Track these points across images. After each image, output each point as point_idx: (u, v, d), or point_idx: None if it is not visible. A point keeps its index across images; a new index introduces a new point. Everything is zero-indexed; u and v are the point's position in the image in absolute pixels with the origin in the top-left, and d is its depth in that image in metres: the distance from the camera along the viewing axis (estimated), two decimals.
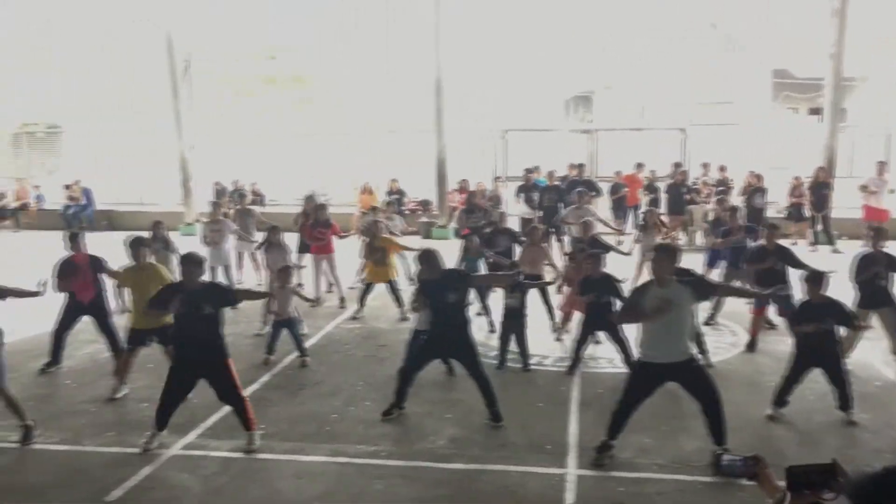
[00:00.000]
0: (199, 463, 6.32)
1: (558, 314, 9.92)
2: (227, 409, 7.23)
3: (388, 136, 23.18)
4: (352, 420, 7.16)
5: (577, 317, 9.52)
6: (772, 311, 9.63)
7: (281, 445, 6.57)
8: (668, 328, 5.93)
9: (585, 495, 5.70)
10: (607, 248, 9.85)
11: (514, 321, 8.63)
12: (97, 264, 8.50)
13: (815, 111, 23.17)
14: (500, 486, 5.82)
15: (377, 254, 10.80)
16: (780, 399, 7.09)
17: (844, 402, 6.96)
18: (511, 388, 7.88)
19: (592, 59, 31.08)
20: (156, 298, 6.67)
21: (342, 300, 11.52)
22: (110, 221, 20.60)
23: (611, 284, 8.26)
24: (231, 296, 6.82)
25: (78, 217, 20.68)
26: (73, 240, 8.57)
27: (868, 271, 8.05)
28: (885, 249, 8.20)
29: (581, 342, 8.41)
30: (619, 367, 8.52)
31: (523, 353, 8.58)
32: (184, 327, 6.47)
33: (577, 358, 8.43)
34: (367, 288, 11.00)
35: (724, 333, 9.84)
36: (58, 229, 19.98)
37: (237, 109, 29.61)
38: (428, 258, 7.04)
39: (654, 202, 16.89)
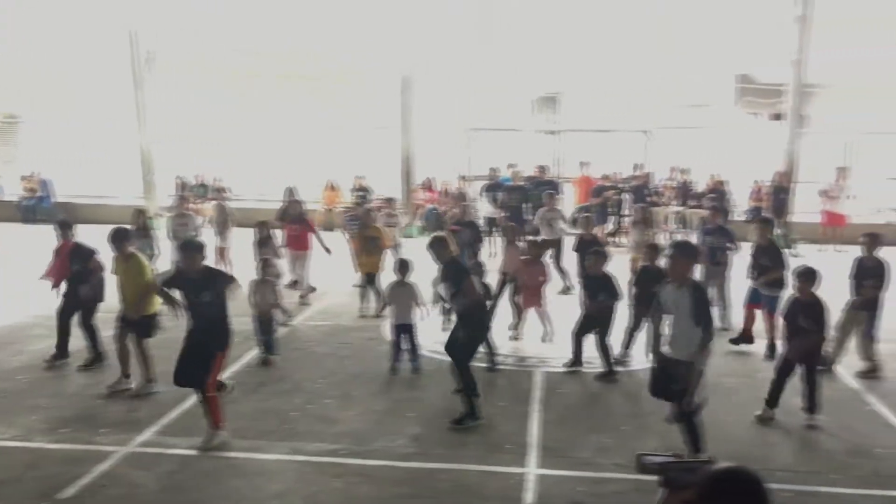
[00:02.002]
0: (155, 460, 6.23)
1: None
2: (186, 406, 7.17)
3: (354, 133, 23.04)
4: (312, 418, 7.10)
5: (531, 314, 9.63)
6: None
7: (239, 443, 6.49)
8: (676, 324, 6.06)
9: (545, 494, 5.71)
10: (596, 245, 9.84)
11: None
12: (79, 253, 8.43)
13: (777, 116, 23.46)
14: (460, 485, 5.81)
15: (369, 243, 10.80)
16: (773, 400, 7.14)
17: (811, 406, 7.03)
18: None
19: (559, 60, 31.19)
20: (162, 286, 6.93)
21: (302, 297, 11.45)
22: (69, 214, 20.19)
23: (610, 284, 8.28)
24: (228, 282, 6.75)
25: (33, 209, 20.26)
26: (60, 228, 8.64)
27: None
28: (877, 255, 8.41)
29: (579, 339, 8.45)
30: (581, 368, 8.59)
31: (491, 351, 8.60)
32: (189, 313, 6.54)
33: (578, 355, 8.45)
34: (369, 279, 10.86)
35: None
36: (13, 221, 19.70)
37: (202, 102, 29.23)
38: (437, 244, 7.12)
39: (619, 203, 17.03)
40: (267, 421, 6.99)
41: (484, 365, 8.46)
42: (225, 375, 8.10)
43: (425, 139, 19.71)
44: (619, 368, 8.38)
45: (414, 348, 8.46)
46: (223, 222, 12.78)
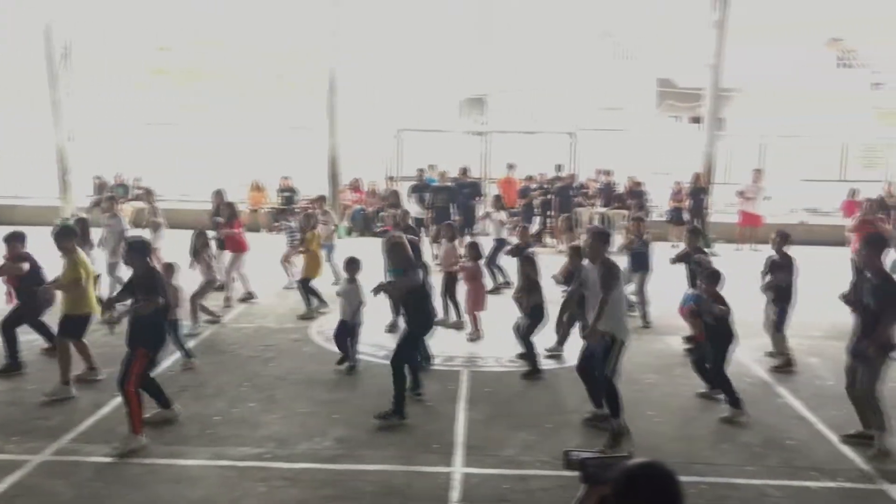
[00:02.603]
0: (71, 469, 6.02)
1: (466, 316, 10.02)
2: (102, 412, 6.99)
3: (280, 134, 22.77)
4: (235, 422, 6.99)
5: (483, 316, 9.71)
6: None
7: (160, 449, 6.34)
8: (592, 299, 6.66)
9: (471, 493, 5.75)
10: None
11: None
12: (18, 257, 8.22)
13: (696, 120, 24.15)
14: (386, 486, 5.80)
15: (302, 247, 10.97)
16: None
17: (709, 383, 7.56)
18: None
19: (486, 62, 31.44)
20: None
21: (227, 300, 11.28)
22: None
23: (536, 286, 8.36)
24: (155, 285, 6.62)
25: None
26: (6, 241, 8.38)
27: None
28: (786, 252, 8.80)
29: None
30: (506, 366, 8.67)
31: (424, 352, 8.60)
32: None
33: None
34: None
35: None
36: None
37: (122, 100, 28.44)
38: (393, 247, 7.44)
39: (546, 204, 17.26)
40: (189, 426, 6.84)
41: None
42: None
43: (352, 140, 19.61)
44: (547, 366, 8.54)
45: (353, 347, 8.45)
46: (155, 223, 12.51)
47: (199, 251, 10.19)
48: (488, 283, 11.32)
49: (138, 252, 6.72)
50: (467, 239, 12.17)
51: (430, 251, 13.05)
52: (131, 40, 28.89)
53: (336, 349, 8.58)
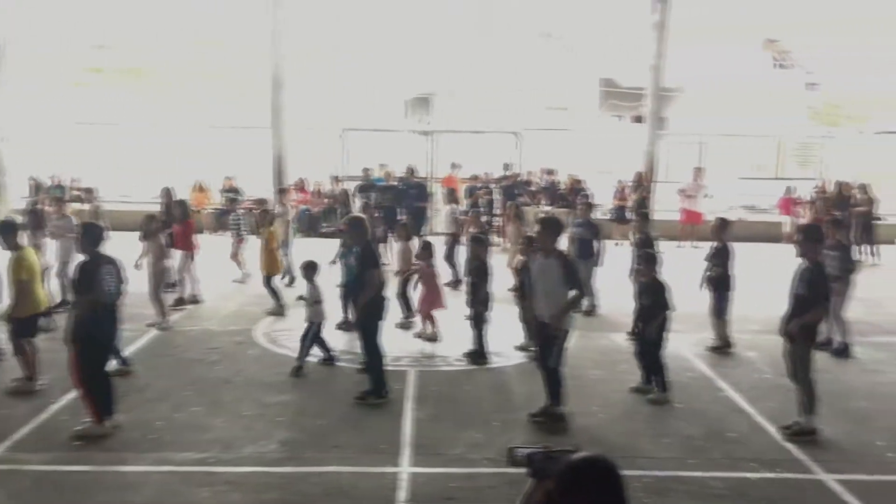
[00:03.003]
0: (8, 478, 5.85)
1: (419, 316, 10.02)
2: (39, 419, 6.80)
3: (224, 133, 22.46)
4: (179, 427, 6.87)
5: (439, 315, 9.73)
6: None
7: (101, 456, 6.19)
8: (542, 290, 6.84)
9: (418, 492, 5.75)
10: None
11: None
12: None
13: (638, 119, 24.55)
14: (333, 488, 5.76)
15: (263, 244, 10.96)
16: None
17: (648, 379, 7.73)
18: (346, 387, 7.83)
19: (432, 62, 31.49)
20: None
21: (181, 301, 11.14)
22: None
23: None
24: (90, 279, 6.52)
25: None
26: None
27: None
28: (724, 239, 9.19)
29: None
30: (453, 365, 8.70)
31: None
32: None
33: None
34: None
35: None
36: None
37: (58, 99, 27.73)
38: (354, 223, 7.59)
39: (490, 203, 17.33)
40: (131, 432, 6.69)
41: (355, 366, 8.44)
42: None
43: (298, 139, 19.42)
44: (495, 364, 8.64)
45: (307, 349, 8.40)
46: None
47: (150, 235, 10.04)
48: (446, 278, 11.40)
49: (90, 239, 6.62)
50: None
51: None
52: (67, 38, 28.20)
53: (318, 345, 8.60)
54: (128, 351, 8.84)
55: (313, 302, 8.43)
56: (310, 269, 8.72)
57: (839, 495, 5.79)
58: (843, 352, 9.15)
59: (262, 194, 18.16)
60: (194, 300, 11.30)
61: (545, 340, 6.89)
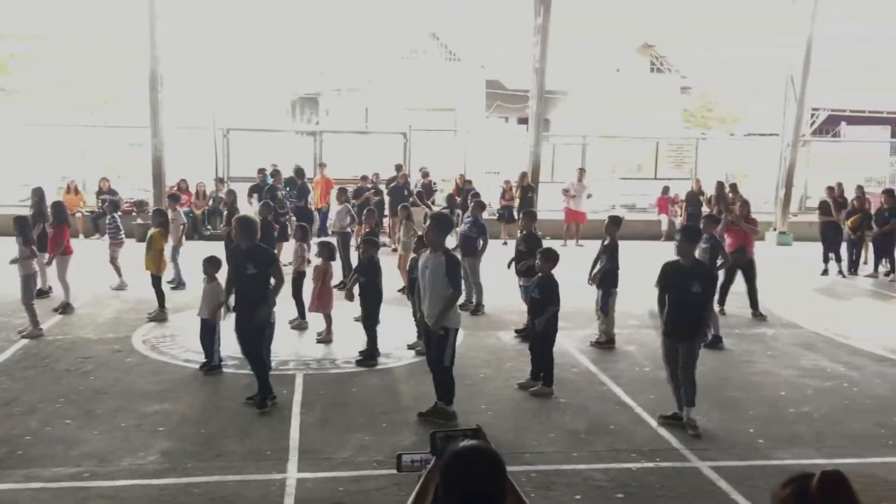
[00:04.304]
0: None
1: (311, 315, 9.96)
2: None
3: (99, 132, 21.49)
4: (49, 441, 6.50)
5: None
6: None
7: None
8: (430, 287, 6.88)
9: (305, 498, 5.65)
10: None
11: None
12: None
13: (524, 121, 25.03)
14: (216, 498, 5.59)
15: (148, 243, 10.70)
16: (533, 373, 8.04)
17: (536, 374, 7.94)
18: (230, 393, 7.63)
19: (319, 62, 31.17)
20: None
21: (67, 307, 10.67)
22: None
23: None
24: None
25: None
26: None
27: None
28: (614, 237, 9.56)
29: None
30: (341, 367, 8.62)
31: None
32: None
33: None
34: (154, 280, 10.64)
35: None
36: None
37: None
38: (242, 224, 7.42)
39: (380, 204, 17.27)
40: None
41: (239, 371, 8.24)
42: None
43: (177, 140, 18.79)
44: (382, 365, 8.60)
45: (216, 347, 8.22)
46: None
47: (23, 237, 9.52)
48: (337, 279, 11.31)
49: None
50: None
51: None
52: None
53: (201, 351, 8.37)
54: None
55: (215, 302, 8.16)
56: (212, 264, 8.46)
57: (714, 482, 6.05)
58: (715, 344, 9.59)
59: (141, 196, 17.61)
60: (66, 308, 10.73)
61: (434, 339, 6.92)
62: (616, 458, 6.43)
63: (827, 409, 7.72)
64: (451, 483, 2.39)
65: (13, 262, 9.62)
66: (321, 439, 6.65)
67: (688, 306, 6.88)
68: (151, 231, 10.85)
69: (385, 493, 5.72)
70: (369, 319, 8.81)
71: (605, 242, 9.58)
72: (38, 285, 10.65)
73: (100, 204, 17.25)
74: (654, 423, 7.15)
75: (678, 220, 18.62)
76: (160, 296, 10.51)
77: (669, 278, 7.06)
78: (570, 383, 8.19)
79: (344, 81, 32.04)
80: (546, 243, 9.58)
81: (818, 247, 15.53)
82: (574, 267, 10.20)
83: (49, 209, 11.18)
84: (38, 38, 27.61)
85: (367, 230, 11.24)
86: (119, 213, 13.48)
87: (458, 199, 16.12)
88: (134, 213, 17.45)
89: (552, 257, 8.05)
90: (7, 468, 5.97)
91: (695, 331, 6.92)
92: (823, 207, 15.56)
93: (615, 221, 9.74)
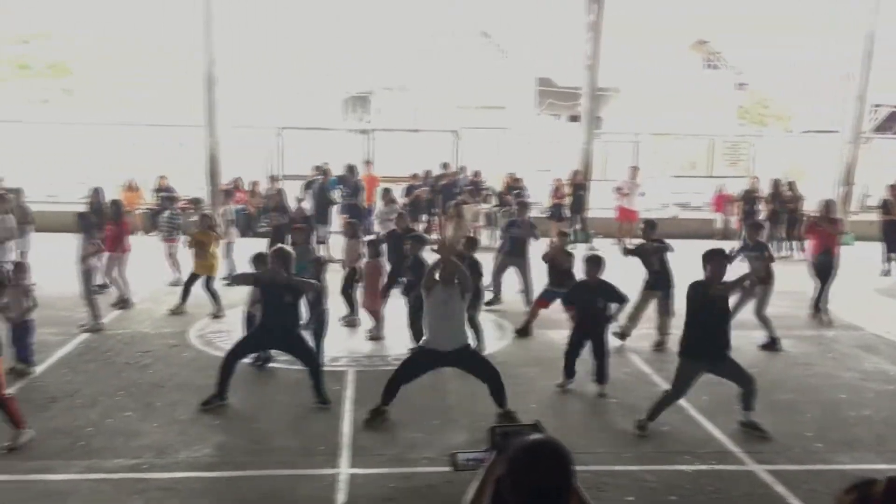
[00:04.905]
0: None
1: (363, 312, 10.00)
2: None
3: (157, 131, 21.96)
4: (110, 433, 6.68)
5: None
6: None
7: (25, 465, 5.99)
8: (447, 319, 6.77)
9: (356, 494, 5.71)
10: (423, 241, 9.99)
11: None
12: None
13: (575, 118, 24.83)
14: (268, 492, 5.68)
15: (198, 247, 10.73)
16: (568, 370, 7.90)
17: (600, 376, 7.81)
18: (282, 389, 7.74)
19: (370, 61, 31.36)
20: None
21: (125, 302, 10.96)
22: None
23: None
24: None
25: None
26: None
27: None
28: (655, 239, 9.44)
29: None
30: (392, 364, 8.63)
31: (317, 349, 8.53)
32: None
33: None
34: (190, 279, 10.80)
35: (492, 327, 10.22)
36: None
37: None
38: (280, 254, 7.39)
39: (430, 202, 17.33)
40: (58, 439, 6.49)
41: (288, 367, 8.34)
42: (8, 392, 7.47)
43: (232, 138, 19.10)
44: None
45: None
46: (23, 223, 12.00)
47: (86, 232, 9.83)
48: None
49: None
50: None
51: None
52: None
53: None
54: (56, 356, 8.64)
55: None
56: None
57: (770, 485, 5.95)
58: (772, 346, 9.43)
59: (197, 193, 17.91)
60: (125, 304, 11.00)
61: (469, 358, 7.06)
62: (668, 460, 6.36)
63: (888, 412, 7.53)
64: (518, 477, 2.38)
65: (84, 257, 9.88)
66: (372, 435, 6.71)
67: (716, 328, 6.67)
68: (196, 233, 10.89)
69: (435, 490, 5.75)
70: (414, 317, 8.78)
71: (649, 248, 9.42)
72: (98, 281, 10.93)
73: (158, 201, 17.62)
74: (708, 424, 7.05)
75: (734, 220, 18.32)
76: (215, 296, 10.65)
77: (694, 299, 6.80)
78: (621, 383, 8.11)
79: (395, 80, 32.18)
80: (597, 242, 9.55)
81: (879, 246, 15.12)
82: (625, 266, 10.07)
83: (108, 207, 11.45)
84: (106, 39, 28.34)
85: (400, 229, 10.77)
86: (177, 209, 13.75)
87: (509, 198, 16.09)
88: (191, 211, 17.77)
89: (597, 263, 7.97)
90: (69, 459, 6.15)
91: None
92: (885, 206, 15.13)
93: (652, 225, 9.71)
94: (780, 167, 21.61)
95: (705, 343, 6.61)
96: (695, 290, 6.61)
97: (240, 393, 7.65)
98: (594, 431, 6.95)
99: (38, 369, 8.15)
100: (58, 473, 5.90)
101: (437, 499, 5.59)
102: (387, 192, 13.70)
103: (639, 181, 18.02)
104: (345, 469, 6.08)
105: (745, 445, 6.60)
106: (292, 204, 13.95)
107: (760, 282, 9.23)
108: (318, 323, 8.24)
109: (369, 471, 6.06)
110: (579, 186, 17.43)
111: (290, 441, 6.57)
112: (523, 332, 9.90)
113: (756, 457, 6.41)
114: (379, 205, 14.43)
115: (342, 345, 9.30)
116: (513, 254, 11.09)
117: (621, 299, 8.08)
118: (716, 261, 6.66)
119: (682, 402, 7.57)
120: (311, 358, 7.45)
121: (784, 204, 16.62)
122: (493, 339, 9.70)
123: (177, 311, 10.59)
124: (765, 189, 17.10)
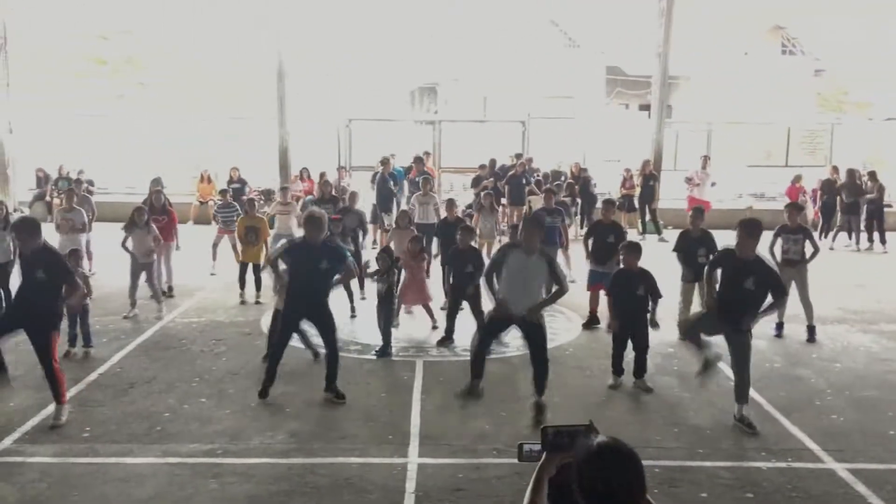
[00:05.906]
0: (14, 470, 5.84)
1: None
2: (45, 413, 6.79)
3: (229, 123, 22.42)
4: (186, 418, 6.85)
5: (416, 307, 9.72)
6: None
7: (107, 448, 6.19)
8: (524, 286, 6.77)
9: (426, 483, 5.72)
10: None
11: (385, 306, 8.73)
12: None
13: (645, 107, 24.41)
14: (340, 479, 5.74)
15: (249, 233, 10.88)
16: (616, 367, 7.73)
17: (639, 370, 7.70)
18: (354, 378, 7.82)
19: (437, 52, 31.37)
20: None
21: (170, 289, 11.21)
22: None
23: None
24: (61, 267, 6.65)
25: None
26: None
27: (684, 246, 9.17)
28: (703, 228, 9.22)
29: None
30: (460, 355, 8.63)
31: (387, 339, 8.63)
32: (20, 289, 6.71)
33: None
34: (243, 268, 11.03)
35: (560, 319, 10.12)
36: None
37: (63, 91, 27.69)
38: (311, 220, 7.24)
39: (497, 192, 17.24)
40: (137, 423, 6.69)
41: (364, 356, 8.44)
42: (91, 379, 7.74)
43: (301, 130, 19.38)
44: (498, 355, 8.55)
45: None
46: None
47: (139, 225, 10.07)
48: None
49: (25, 232, 6.60)
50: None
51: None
52: (70, 29, 28.15)
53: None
54: (134, 343, 8.90)
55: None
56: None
57: (850, 484, 5.75)
58: (778, 329, 9.34)
59: (269, 185, 18.23)
60: (169, 291, 11.23)
61: (533, 333, 6.97)
62: (743, 457, 6.20)
63: None
64: (590, 483, 2.35)
65: (146, 252, 10.14)
66: (441, 425, 6.72)
67: (736, 303, 6.60)
68: (244, 219, 11.07)
69: (504, 481, 5.73)
70: (474, 308, 8.84)
71: (695, 237, 9.18)
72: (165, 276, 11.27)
73: (230, 193, 17.98)
74: (785, 421, 6.85)
75: (810, 211, 17.75)
76: (258, 282, 10.85)
77: (722, 265, 6.93)
78: (690, 377, 7.93)
79: (462, 71, 32.11)
80: (668, 234, 9.34)
81: None
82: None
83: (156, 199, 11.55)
84: (163, 33, 29.03)
85: (450, 218, 10.81)
86: (246, 196, 13.93)
87: (576, 188, 15.91)
88: (262, 201, 18.08)
89: (635, 250, 7.76)
90: (147, 443, 6.33)
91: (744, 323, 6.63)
92: None
93: (700, 213, 9.47)
94: (861, 156, 20.85)
95: (725, 311, 6.69)
96: (724, 257, 6.92)
97: (310, 380, 7.75)
98: (667, 426, 6.82)
99: (117, 357, 8.41)
100: (136, 457, 6.07)
101: (507, 490, 5.56)
102: (426, 180, 13.53)
103: (710, 171, 17.61)
104: (414, 458, 6.10)
105: (824, 443, 6.40)
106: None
107: (798, 263, 9.18)
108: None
109: (438, 461, 6.07)
110: (650, 177, 17.14)
111: (360, 429, 6.63)
112: (590, 323, 9.74)
113: (836, 455, 6.20)
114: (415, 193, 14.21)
115: (409, 334, 9.35)
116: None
117: (657, 293, 7.76)
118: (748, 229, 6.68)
119: (759, 397, 7.39)
120: (332, 336, 7.31)
121: (862, 194, 16.02)
122: (563, 330, 9.61)
123: (244, 301, 10.82)
124: (842, 179, 16.52)
